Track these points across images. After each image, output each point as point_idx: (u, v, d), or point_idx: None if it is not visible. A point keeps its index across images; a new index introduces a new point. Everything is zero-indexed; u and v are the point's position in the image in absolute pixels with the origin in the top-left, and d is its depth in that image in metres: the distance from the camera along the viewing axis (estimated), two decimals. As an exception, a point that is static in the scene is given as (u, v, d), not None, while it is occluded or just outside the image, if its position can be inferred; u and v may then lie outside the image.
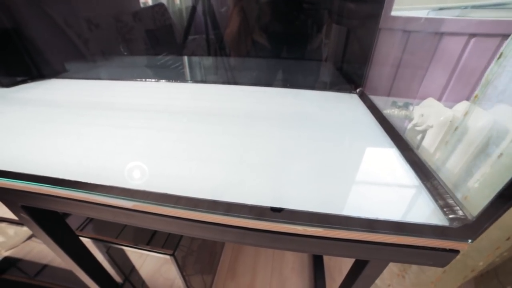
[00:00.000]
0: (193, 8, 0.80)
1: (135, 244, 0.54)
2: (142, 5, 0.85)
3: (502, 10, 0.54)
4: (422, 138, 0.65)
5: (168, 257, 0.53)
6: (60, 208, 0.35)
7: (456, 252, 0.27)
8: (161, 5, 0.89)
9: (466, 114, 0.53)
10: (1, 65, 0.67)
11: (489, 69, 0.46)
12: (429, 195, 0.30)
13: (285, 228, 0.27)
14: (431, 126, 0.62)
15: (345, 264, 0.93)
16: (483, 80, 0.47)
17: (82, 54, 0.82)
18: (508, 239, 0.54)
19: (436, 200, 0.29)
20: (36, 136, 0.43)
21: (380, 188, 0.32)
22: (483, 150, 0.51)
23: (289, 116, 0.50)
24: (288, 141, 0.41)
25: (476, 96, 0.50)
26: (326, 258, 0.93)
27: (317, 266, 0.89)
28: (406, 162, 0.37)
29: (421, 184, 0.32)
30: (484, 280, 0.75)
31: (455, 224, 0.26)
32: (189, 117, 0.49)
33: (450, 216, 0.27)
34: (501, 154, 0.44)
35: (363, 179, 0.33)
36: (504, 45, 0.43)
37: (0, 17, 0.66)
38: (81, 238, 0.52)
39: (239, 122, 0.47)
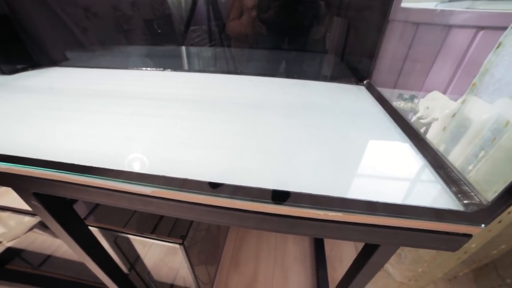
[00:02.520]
0: None
1: (142, 234, 0.55)
2: None
3: None
4: (426, 131, 0.66)
5: (177, 246, 0.53)
6: (74, 195, 0.35)
7: (469, 236, 0.27)
8: None
9: (463, 101, 0.54)
10: (1, 53, 0.66)
11: (487, 58, 0.47)
12: (442, 182, 0.31)
13: (305, 213, 0.27)
14: (436, 119, 0.63)
15: (346, 254, 0.95)
16: (482, 68, 0.48)
17: (82, 43, 0.81)
18: (499, 222, 0.56)
19: (450, 187, 0.30)
20: (45, 123, 0.42)
21: (395, 176, 0.33)
22: (484, 141, 0.52)
23: (300, 106, 0.50)
24: (302, 129, 0.41)
25: (473, 84, 0.51)
26: (327, 248, 0.95)
27: (319, 256, 0.91)
28: (418, 151, 0.37)
29: (435, 172, 0.33)
30: (483, 274, 0.77)
31: (470, 209, 0.26)
32: (200, 106, 0.48)
33: (465, 201, 0.28)
34: (494, 139, 0.46)
35: (377, 166, 0.34)
36: (503, 35, 0.44)
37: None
38: (90, 227, 0.52)
39: (251, 112, 0.47)
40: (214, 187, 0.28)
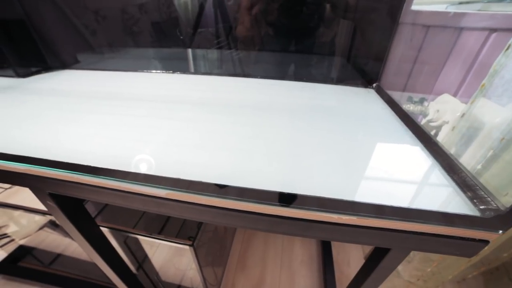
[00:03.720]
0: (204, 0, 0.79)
1: (153, 235, 0.55)
2: None
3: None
4: (437, 134, 0.65)
5: (187, 247, 0.54)
6: (88, 196, 0.36)
7: (486, 242, 0.27)
8: None
9: (472, 102, 0.54)
10: (17, 56, 0.68)
11: (496, 60, 0.47)
12: (456, 187, 0.31)
13: (318, 217, 0.27)
14: (447, 122, 0.62)
15: (353, 258, 0.95)
16: (491, 70, 0.49)
17: (92, 46, 0.83)
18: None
19: (464, 192, 0.30)
20: (60, 125, 0.43)
21: (407, 179, 0.32)
22: (497, 144, 0.52)
23: (309, 109, 0.50)
24: (312, 132, 0.42)
25: (483, 85, 0.51)
26: (334, 252, 0.94)
27: (326, 260, 0.90)
28: (430, 155, 0.37)
29: (448, 176, 0.33)
30: (494, 278, 0.75)
31: (487, 214, 0.26)
32: (210, 109, 0.49)
33: (481, 207, 0.27)
34: (502, 139, 0.45)
35: (389, 170, 0.34)
36: None
37: (14, 9, 0.66)
38: (101, 227, 0.53)
39: (261, 114, 0.47)
40: (227, 190, 0.28)
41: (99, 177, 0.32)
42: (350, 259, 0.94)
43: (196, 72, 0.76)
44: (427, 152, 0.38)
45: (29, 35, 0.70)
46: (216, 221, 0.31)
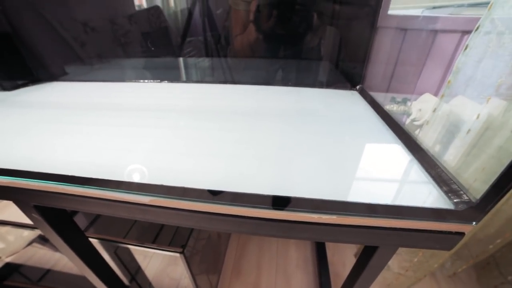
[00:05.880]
0: (191, 10, 0.81)
1: (142, 244, 0.55)
2: (137, 8, 0.87)
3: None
4: (420, 133, 0.67)
5: (177, 254, 0.53)
6: (75, 207, 0.36)
7: (462, 234, 0.28)
8: (156, 7, 0.91)
9: (442, 96, 0.56)
10: (2, 70, 0.67)
11: (458, 59, 0.50)
12: (434, 182, 0.32)
13: (300, 217, 0.28)
14: (428, 121, 0.64)
15: (349, 259, 0.95)
16: (454, 68, 0.52)
17: (80, 57, 0.83)
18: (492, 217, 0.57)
19: (441, 187, 0.31)
20: (45, 136, 0.43)
21: (387, 177, 0.33)
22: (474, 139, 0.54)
23: (295, 112, 0.52)
24: (298, 135, 0.43)
25: (449, 82, 0.54)
26: (329, 254, 0.94)
27: (321, 262, 0.90)
28: (410, 153, 0.38)
29: (426, 172, 0.34)
30: (485, 272, 0.77)
31: (461, 207, 0.27)
32: (197, 116, 0.50)
33: (455, 200, 0.28)
34: (469, 130, 0.47)
35: (370, 169, 0.35)
36: (468, 38, 0.46)
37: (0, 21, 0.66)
38: (90, 239, 0.53)
39: (248, 120, 0.48)
40: (213, 195, 0.29)
41: (83, 186, 0.32)
42: (345, 260, 0.94)
43: (185, 80, 0.77)
44: (407, 150, 0.39)
45: (15, 48, 0.70)
46: (201, 225, 0.31)
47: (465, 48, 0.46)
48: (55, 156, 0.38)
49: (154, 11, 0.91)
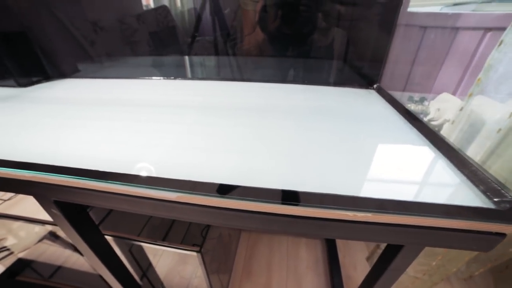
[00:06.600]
0: (200, 9, 0.81)
1: (161, 242, 0.54)
2: (144, 8, 0.88)
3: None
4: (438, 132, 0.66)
5: (194, 253, 0.53)
6: (96, 203, 0.35)
7: (503, 235, 0.27)
8: (164, 7, 0.91)
9: (470, 95, 0.55)
10: (18, 66, 0.68)
11: (490, 55, 0.48)
12: (468, 181, 0.31)
13: (333, 215, 0.27)
14: (448, 120, 0.62)
15: (359, 262, 0.93)
16: (486, 65, 0.50)
17: (91, 55, 0.83)
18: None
19: (477, 186, 0.30)
20: (64, 131, 0.43)
21: (418, 177, 0.32)
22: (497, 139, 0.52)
23: (314, 110, 0.51)
24: (320, 132, 0.42)
25: (479, 79, 0.52)
26: (340, 256, 0.93)
27: (332, 263, 0.89)
28: (439, 151, 0.37)
29: (459, 171, 0.33)
30: (503, 276, 0.75)
31: (503, 206, 0.26)
32: (217, 113, 0.49)
33: (495, 199, 0.27)
34: (499, 129, 0.46)
35: (398, 167, 0.34)
36: (504, 33, 0.45)
37: (15, 22, 0.67)
38: (105, 236, 0.52)
39: (268, 116, 0.47)
40: (240, 191, 0.28)
41: (107, 182, 0.32)
42: (356, 263, 0.93)
43: (197, 78, 0.77)
44: (435, 149, 0.38)
45: (30, 46, 0.70)
46: (229, 223, 0.30)
47: (499, 44, 0.45)
48: (74, 151, 0.37)
49: (161, 11, 0.92)
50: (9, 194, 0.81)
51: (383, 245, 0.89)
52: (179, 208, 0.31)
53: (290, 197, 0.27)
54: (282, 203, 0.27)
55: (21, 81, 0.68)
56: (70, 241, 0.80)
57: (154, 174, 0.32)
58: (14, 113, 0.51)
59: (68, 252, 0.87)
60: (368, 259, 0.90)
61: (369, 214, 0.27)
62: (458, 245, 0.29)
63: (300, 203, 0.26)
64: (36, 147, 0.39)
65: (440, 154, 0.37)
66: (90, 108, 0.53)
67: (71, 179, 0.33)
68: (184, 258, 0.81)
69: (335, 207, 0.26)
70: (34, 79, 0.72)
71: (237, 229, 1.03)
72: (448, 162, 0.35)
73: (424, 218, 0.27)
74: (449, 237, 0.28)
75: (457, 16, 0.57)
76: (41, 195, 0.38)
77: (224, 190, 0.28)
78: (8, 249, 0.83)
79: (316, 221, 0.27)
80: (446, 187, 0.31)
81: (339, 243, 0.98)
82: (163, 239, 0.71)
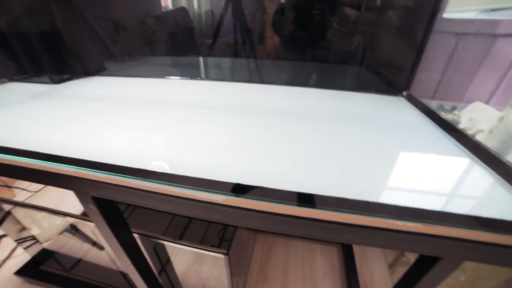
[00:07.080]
0: (222, 10, 0.82)
1: (189, 243, 0.54)
2: (163, 9, 0.90)
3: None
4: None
5: (222, 256, 0.53)
6: (136, 201, 0.36)
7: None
8: (182, 8, 0.93)
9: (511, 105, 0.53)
10: (52, 64, 0.70)
11: None
12: (519, 195, 0.30)
13: (383, 223, 0.26)
14: (482, 130, 0.60)
15: (376, 271, 0.91)
16: None
17: (114, 54, 0.86)
18: None
19: (531, 201, 0.28)
20: (103, 128, 0.44)
21: (464, 189, 0.31)
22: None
23: (345, 115, 0.50)
24: (352, 138, 0.41)
25: None
26: (358, 264, 0.91)
27: (350, 271, 0.87)
28: (482, 162, 0.36)
29: (509, 184, 0.31)
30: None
31: None
32: (250, 115, 0.49)
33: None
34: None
35: (438, 178, 0.33)
36: None
37: (49, 22, 0.70)
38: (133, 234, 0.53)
39: (298, 120, 0.47)
40: (290, 195, 0.28)
41: (150, 181, 0.32)
42: (373, 272, 0.91)
43: (226, 79, 0.77)
44: (477, 160, 0.37)
45: (61, 45, 0.73)
46: (277, 228, 0.30)
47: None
48: (114, 148, 0.38)
49: (180, 12, 0.94)
50: (38, 186, 0.84)
51: (407, 253, 0.85)
52: (223, 211, 0.31)
53: (340, 204, 0.27)
54: (335, 210, 0.26)
55: (55, 78, 0.70)
56: (91, 236, 0.82)
57: (201, 175, 0.32)
58: (51, 109, 0.53)
59: (86, 247, 0.89)
60: (391, 266, 0.88)
61: (419, 225, 0.26)
62: (501, 262, 0.28)
63: (352, 211, 0.26)
64: (80, 142, 0.40)
65: (485, 166, 0.35)
66: (124, 105, 0.54)
67: (112, 176, 0.33)
68: (200, 259, 0.81)
69: (387, 216, 0.25)
70: (66, 76, 0.74)
71: (253, 232, 1.03)
72: (496, 174, 0.34)
73: (471, 231, 0.26)
74: (492, 252, 0.27)
75: (495, 22, 0.55)
76: (81, 190, 0.39)
77: (277, 195, 0.28)
78: (34, 238, 0.86)
79: (363, 229, 0.27)
80: (496, 201, 0.30)
81: (356, 251, 0.96)
82: (180, 238, 0.72)
